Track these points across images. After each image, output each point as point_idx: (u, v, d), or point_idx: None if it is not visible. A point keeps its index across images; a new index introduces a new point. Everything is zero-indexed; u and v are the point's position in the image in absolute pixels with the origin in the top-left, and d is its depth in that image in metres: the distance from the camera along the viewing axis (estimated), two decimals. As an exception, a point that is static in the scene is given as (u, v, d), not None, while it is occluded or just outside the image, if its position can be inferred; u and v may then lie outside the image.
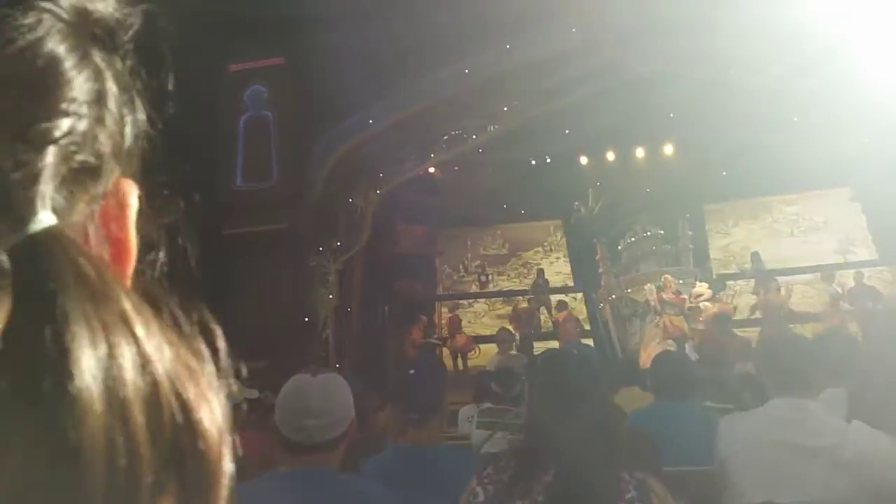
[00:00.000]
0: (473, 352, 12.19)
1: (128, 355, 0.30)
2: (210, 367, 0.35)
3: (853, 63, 9.11)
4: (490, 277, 14.64)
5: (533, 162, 13.90)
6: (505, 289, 14.44)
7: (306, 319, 9.85)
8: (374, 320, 12.65)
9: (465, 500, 1.71)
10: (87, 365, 0.28)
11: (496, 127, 11.08)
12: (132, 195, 0.38)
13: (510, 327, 10.77)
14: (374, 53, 9.86)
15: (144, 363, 0.30)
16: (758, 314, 10.94)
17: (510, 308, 13.30)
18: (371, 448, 2.52)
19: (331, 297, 10.13)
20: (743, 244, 13.54)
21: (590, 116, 12.34)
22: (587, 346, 8.53)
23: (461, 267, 14.77)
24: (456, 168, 13.95)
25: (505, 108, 10.83)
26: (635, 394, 4.77)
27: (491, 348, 11.78)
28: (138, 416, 0.29)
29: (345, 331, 10.61)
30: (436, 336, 12.59)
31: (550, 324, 12.96)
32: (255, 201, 9.62)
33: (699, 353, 8.85)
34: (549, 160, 13.93)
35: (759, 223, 13.69)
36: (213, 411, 0.32)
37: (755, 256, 12.02)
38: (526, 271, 14.38)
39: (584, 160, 13.99)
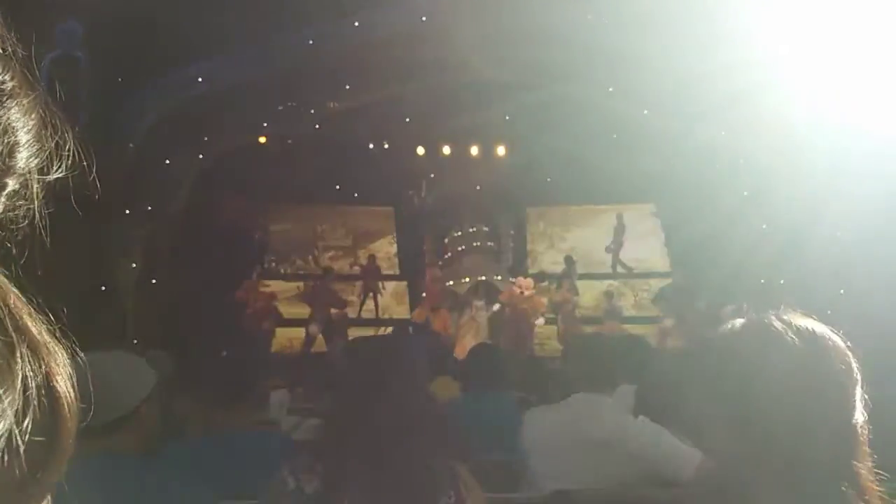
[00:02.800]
0: None
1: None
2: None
3: (669, 87, 10.10)
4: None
5: (371, 146, 13.81)
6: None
7: (103, 289, 8.97)
8: (183, 293, 11.84)
9: (275, 490, 1.62)
10: None
11: (336, 104, 10.83)
12: None
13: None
14: (213, 8, 9.17)
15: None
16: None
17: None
18: (172, 432, 2.32)
19: (134, 266, 9.30)
20: (560, 247, 14.50)
21: (431, 108, 12.53)
22: (403, 335, 8.67)
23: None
24: (289, 141, 13.46)
25: (347, 87, 10.61)
26: (447, 383, 4.92)
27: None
28: None
29: (148, 304, 9.80)
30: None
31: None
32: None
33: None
34: (386, 146, 13.93)
35: (576, 229, 14.73)
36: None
37: (568, 260, 12.91)
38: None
39: (420, 150, 14.16)
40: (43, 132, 0.42)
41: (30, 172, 0.42)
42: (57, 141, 0.45)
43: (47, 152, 0.42)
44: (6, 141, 0.40)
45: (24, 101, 0.41)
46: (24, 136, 0.40)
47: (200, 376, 2.28)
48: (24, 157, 0.41)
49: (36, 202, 0.44)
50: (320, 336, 11.56)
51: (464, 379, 3.18)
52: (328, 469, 1.55)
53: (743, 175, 10.73)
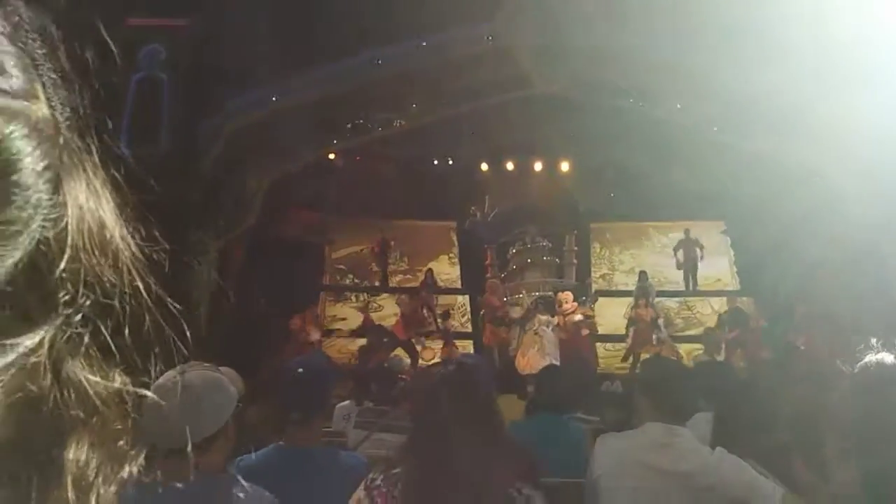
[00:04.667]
0: None
1: None
2: None
3: (744, 109, 9.85)
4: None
5: (435, 162, 13.96)
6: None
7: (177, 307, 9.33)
8: (252, 304, 12.18)
9: None
10: None
11: (402, 122, 11.00)
12: None
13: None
14: (284, 30, 9.50)
15: None
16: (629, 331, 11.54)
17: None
18: (241, 447, 2.38)
19: (208, 277, 9.64)
20: (627, 265, 14.22)
21: (495, 124, 12.60)
22: (481, 359, 8.64)
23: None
24: (357, 158, 13.74)
25: (413, 105, 10.78)
26: (513, 402, 4.90)
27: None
28: None
29: (221, 313, 10.14)
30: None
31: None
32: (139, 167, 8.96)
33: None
34: (451, 162, 14.05)
35: (641, 246, 14.43)
36: None
37: (642, 275, 12.62)
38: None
39: (484, 166, 14.22)
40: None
41: None
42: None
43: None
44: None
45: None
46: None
47: (278, 391, 2.33)
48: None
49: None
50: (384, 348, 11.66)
51: (534, 402, 3.16)
52: (407, 495, 1.57)
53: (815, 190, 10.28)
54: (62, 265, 0.39)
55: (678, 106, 10.48)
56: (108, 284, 0.43)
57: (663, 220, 14.11)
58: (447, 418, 1.63)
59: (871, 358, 1.01)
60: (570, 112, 12.07)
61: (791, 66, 8.82)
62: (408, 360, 7.48)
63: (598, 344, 11.59)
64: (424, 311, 13.07)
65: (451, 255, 14.76)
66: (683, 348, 11.96)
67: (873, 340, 1.03)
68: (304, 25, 9.56)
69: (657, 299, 11.85)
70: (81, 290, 0.41)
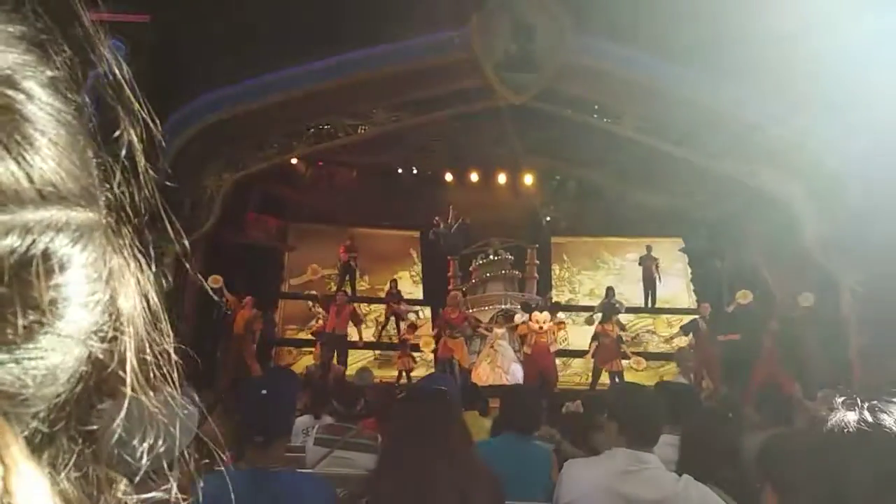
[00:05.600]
0: None
1: None
2: None
3: (706, 128, 10.07)
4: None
5: (400, 171, 13.90)
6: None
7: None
8: (209, 312, 11.89)
9: None
10: None
11: (366, 129, 10.90)
12: None
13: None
14: (248, 31, 9.33)
15: None
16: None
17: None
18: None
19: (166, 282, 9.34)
20: (587, 286, 14.33)
21: (460, 134, 12.61)
22: (447, 380, 8.57)
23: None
24: (320, 164, 13.58)
25: (376, 111, 10.69)
26: (475, 419, 4.84)
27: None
28: None
29: (176, 319, 9.83)
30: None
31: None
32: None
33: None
34: (415, 171, 14.00)
35: (597, 268, 14.55)
36: None
37: (609, 291, 12.71)
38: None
39: (448, 177, 14.21)
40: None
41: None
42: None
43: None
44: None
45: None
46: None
47: (240, 413, 2.23)
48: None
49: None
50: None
51: (499, 422, 3.11)
52: None
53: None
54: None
55: (641, 123, 10.66)
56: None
57: (624, 236, 14.30)
58: (421, 448, 1.58)
59: (840, 417, 1.01)
60: (534, 125, 12.17)
61: (753, 85, 9.08)
62: (374, 374, 7.35)
63: (557, 360, 11.66)
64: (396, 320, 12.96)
65: (413, 265, 14.70)
66: (649, 365, 12.14)
67: (838, 399, 1.04)
68: (267, 28, 9.41)
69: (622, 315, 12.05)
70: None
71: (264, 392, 2.06)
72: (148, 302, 0.41)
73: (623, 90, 10.09)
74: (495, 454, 2.82)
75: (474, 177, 14.18)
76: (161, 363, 0.41)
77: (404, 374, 11.99)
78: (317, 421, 4.60)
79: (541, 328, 10.78)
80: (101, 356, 0.36)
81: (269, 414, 2.05)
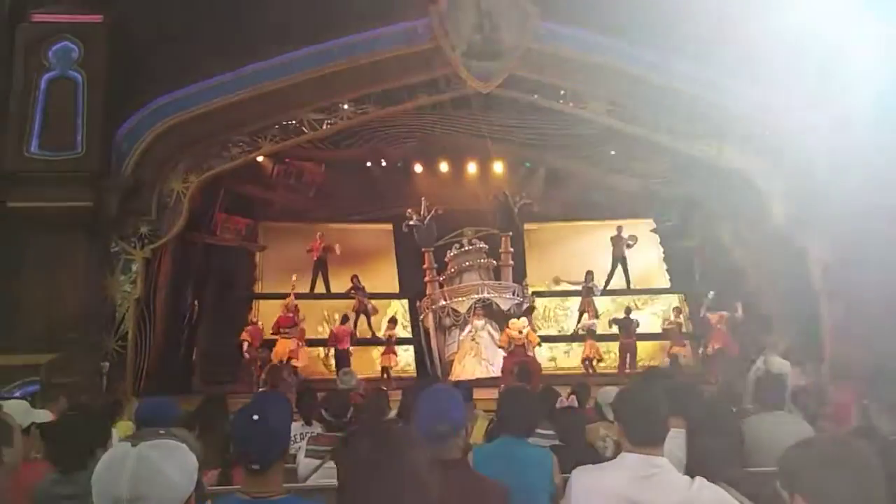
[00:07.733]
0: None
1: None
2: None
3: (674, 110, 10.10)
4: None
5: (369, 164, 13.70)
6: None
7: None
8: (179, 315, 11.65)
9: None
10: None
11: (333, 123, 10.67)
12: None
13: None
14: (210, 27, 9.06)
15: None
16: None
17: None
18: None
19: (130, 288, 9.12)
20: (559, 264, 14.33)
21: (427, 126, 12.47)
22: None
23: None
24: (287, 160, 13.32)
25: (342, 105, 10.48)
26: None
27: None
28: None
29: (147, 326, 9.60)
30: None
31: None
32: (52, 173, 8.36)
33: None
34: (384, 163, 13.82)
35: (575, 245, 14.54)
36: None
37: (588, 275, 12.80)
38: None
39: (418, 168, 14.07)
40: None
41: None
42: None
43: None
44: None
45: None
46: None
47: (234, 440, 2.12)
48: None
49: None
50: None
51: (496, 425, 3.04)
52: None
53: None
54: None
55: (608, 106, 10.64)
56: None
57: (595, 220, 14.32)
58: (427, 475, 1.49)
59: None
60: (502, 112, 12.09)
61: (720, 66, 9.12)
62: (359, 376, 7.20)
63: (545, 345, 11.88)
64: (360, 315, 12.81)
65: (387, 258, 14.54)
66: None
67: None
68: (230, 22, 9.15)
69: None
70: None
71: (255, 418, 1.95)
72: None
73: (588, 75, 10.06)
74: (493, 459, 2.75)
75: (444, 167, 14.06)
76: None
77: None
78: (307, 427, 4.48)
79: (519, 333, 10.86)
80: None
81: (262, 440, 1.95)
